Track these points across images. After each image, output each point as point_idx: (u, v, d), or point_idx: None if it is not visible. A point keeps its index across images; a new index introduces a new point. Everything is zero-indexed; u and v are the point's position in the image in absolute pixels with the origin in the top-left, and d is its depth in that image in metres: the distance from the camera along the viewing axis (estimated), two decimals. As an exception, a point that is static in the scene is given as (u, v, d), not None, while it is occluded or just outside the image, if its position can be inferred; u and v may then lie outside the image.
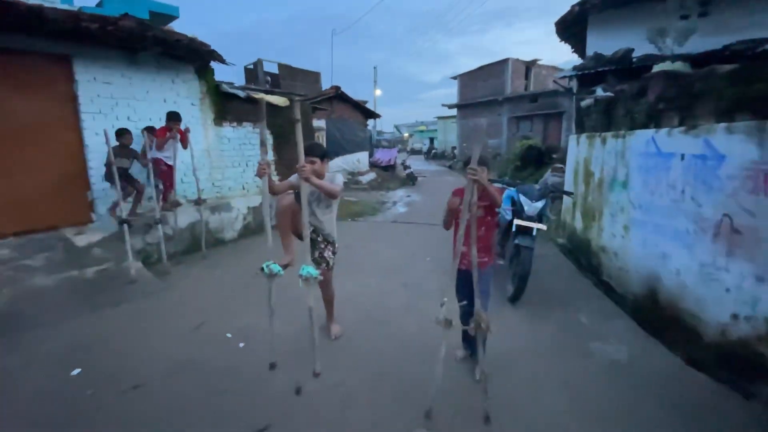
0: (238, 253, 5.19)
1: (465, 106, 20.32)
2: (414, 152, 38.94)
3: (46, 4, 3.82)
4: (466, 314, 2.33)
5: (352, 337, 2.95)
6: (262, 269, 2.40)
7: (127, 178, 4.50)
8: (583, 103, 4.99)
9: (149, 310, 3.40)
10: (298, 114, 2.23)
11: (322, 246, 2.73)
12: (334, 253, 2.79)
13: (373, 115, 16.41)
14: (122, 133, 4.42)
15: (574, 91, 6.81)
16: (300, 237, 2.75)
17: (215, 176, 5.81)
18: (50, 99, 4.17)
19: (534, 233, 3.37)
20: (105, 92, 4.49)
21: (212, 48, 5.17)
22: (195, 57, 5.11)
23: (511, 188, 3.89)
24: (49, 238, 4.11)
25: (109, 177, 4.30)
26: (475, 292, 2.15)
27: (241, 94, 5.93)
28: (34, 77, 4.04)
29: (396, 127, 53.28)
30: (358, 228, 6.89)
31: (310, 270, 2.29)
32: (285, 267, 2.46)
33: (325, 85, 16.64)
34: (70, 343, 2.82)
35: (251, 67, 19.15)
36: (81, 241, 4.24)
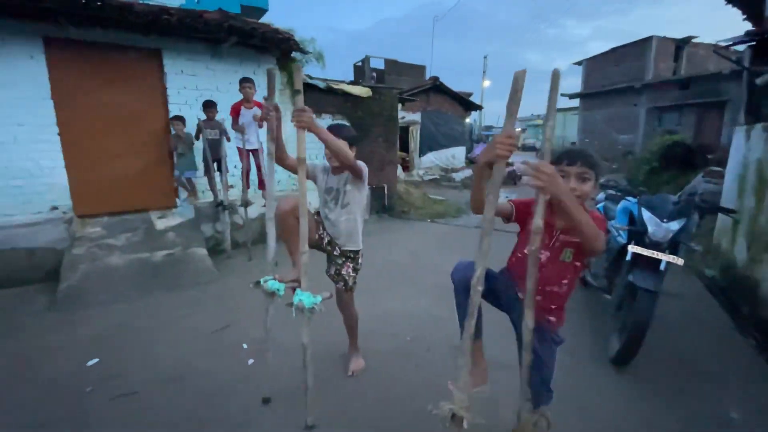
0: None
1: (590, 96, 17.37)
2: (526, 149, 35.71)
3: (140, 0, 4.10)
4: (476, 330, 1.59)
5: (376, 376, 2.33)
6: (258, 283, 1.98)
7: (218, 163, 4.63)
8: (759, 81, 3.43)
9: (189, 303, 3.34)
10: (299, 83, 1.68)
11: (339, 261, 2.18)
12: (355, 270, 2.22)
13: (474, 107, 15.18)
14: (209, 106, 4.58)
15: (746, 65, 4.85)
16: (316, 248, 2.24)
17: (291, 168, 5.77)
18: (143, 90, 4.51)
19: (662, 267, 2.24)
20: (191, 84, 4.71)
21: (293, 37, 5.05)
22: (274, 47, 5.05)
23: (630, 198, 2.73)
24: (135, 220, 4.47)
25: (204, 160, 4.57)
26: (524, 359, 1.35)
27: (321, 84, 5.74)
28: (130, 70, 4.40)
29: (508, 121, 49.81)
30: (434, 231, 6.17)
31: (305, 297, 1.75)
32: (292, 283, 1.94)
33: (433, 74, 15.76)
34: (107, 328, 2.87)
35: (359, 64, 19.75)
36: (160, 224, 4.52)
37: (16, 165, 3.82)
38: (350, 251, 2.18)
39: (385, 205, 7.05)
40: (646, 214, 2.34)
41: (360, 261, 2.24)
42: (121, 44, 4.22)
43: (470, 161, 14.32)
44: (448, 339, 2.70)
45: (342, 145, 1.94)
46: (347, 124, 2.41)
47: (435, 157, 12.87)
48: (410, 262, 4.50)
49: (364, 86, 6.58)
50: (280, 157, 1.94)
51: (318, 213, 2.23)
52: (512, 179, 12.51)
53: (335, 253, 2.18)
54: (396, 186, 7.61)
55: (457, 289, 1.58)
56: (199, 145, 4.67)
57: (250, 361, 2.47)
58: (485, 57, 23.57)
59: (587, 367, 2.41)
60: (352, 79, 18.81)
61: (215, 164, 4.63)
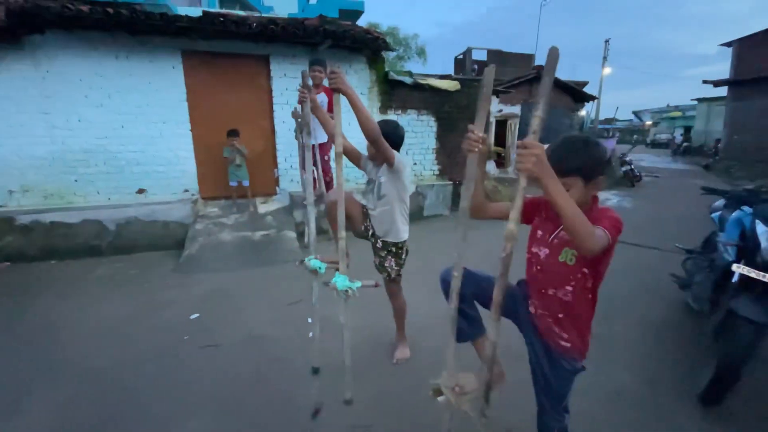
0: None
1: (741, 84, 13.92)
2: (656, 145, 30.45)
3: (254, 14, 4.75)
4: (471, 327, 1.52)
5: (417, 368, 2.37)
6: (302, 262, 2.12)
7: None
8: None
9: (275, 277, 3.81)
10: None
11: (382, 254, 2.26)
12: (398, 264, 2.28)
13: (586, 97, 13.56)
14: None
15: None
16: (364, 238, 2.37)
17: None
18: (253, 92, 5.22)
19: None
20: (292, 86, 5.28)
21: (381, 36, 5.27)
22: (365, 47, 5.32)
23: (746, 208, 2.20)
24: (244, 204, 5.23)
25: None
26: (537, 388, 1.27)
27: (408, 80, 5.85)
28: (244, 75, 5.13)
29: (635, 113, 43.10)
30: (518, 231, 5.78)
31: (339, 280, 1.89)
32: (332, 264, 2.11)
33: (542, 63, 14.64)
34: (210, 290, 3.47)
35: (461, 57, 19.29)
36: (262, 209, 5.22)
37: (160, 155, 4.84)
38: (391, 244, 2.22)
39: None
40: (761, 228, 1.87)
41: (404, 254, 2.28)
42: (237, 53, 4.96)
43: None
44: (507, 348, 2.58)
45: (371, 121, 1.97)
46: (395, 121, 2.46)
47: (535, 153, 11.93)
48: (480, 262, 4.34)
49: (453, 79, 6.46)
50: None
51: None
52: (629, 180, 10.91)
53: (378, 245, 2.27)
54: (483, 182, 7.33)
55: (446, 294, 1.49)
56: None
57: (311, 334, 2.74)
58: (607, 41, 20.72)
59: (667, 403, 2.06)
60: (452, 72, 18.56)
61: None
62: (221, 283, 3.64)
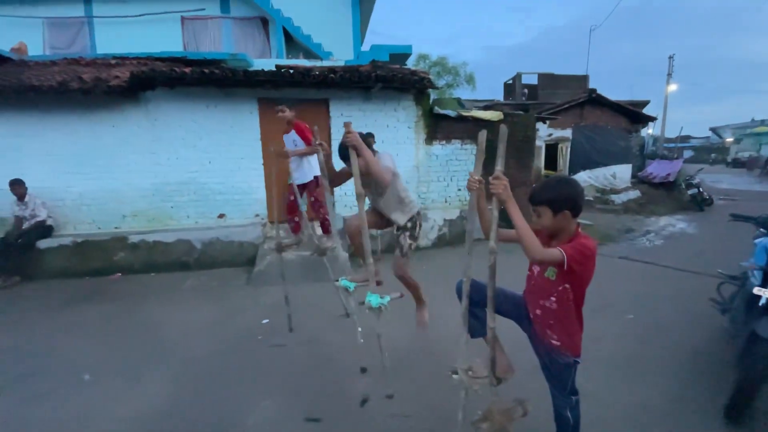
0: (425, 259, 5.59)
1: None
2: (738, 164, 27.55)
3: (318, 64, 5.55)
4: (482, 326, 1.70)
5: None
6: (337, 281, 2.63)
7: None
8: None
9: (329, 292, 4.29)
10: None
11: (397, 233, 2.66)
12: (413, 237, 2.64)
13: (644, 118, 13.00)
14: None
15: None
16: (386, 227, 2.80)
17: (421, 189, 6.47)
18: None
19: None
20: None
21: (427, 76, 5.82)
22: (411, 86, 5.89)
23: (773, 233, 2.28)
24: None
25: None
26: (547, 379, 1.60)
27: (452, 113, 6.29)
28: (307, 116, 5.90)
29: (713, 130, 39.45)
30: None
31: (372, 298, 2.23)
32: (363, 283, 2.49)
33: (599, 85, 14.25)
34: (277, 301, 4.04)
35: (510, 82, 19.47)
36: (319, 231, 5.85)
37: (238, 185, 5.71)
38: (406, 223, 2.60)
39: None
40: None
41: (418, 228, 2.66)
42: (302, 98, 5.78)
43: (641, 181, 12.29)
44: (532, 360, 2.81)
45: (376, 161, 2.39)
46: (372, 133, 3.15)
47: (589, 176, 11.61)
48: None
49: (498, 109, 6.79)
50: (335, 183, 2.74)
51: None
52: (698, 204, 10.19)
53: (395, 231, 2.67)
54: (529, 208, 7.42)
55: (459, 299, 1.77)
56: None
57: (360, 341, 3.17)
58: (671, 57, 19.69)
59: (692, 417, 2.16)
60: (501, 97, 18.74)
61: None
62: (289, 294, 4.22)
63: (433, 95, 7.07)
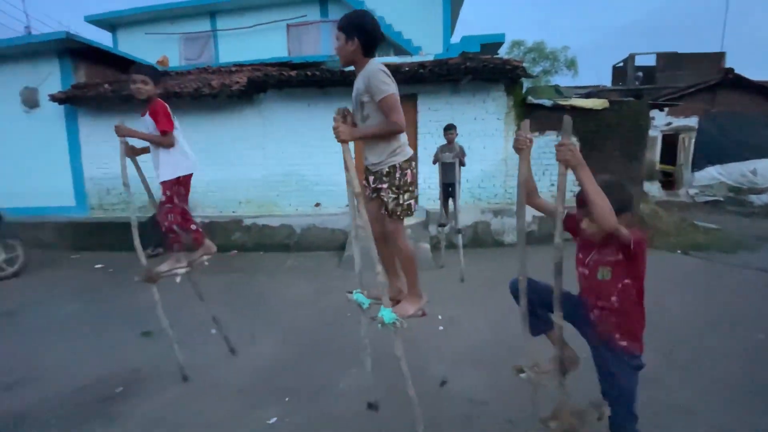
0: (509, 257, 5.43)
1: None
2: None
3: (407, 60, 5.71)
4: (542, 323, 1.66)
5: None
6: (350, 293, 2.10)
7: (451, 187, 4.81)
8: None
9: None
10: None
11: (375, 185, 1.91)
12: (400, 189, 1.84)
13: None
14: (449, 128, 4.80)
15: None
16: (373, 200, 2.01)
17: (509, 184, 6.25)
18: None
19: None
20: (434, 118, 6.05)
21: (520, 65, 5.58)
22: (502, 76, 5.71)
23: None
24: (388, 218, 6.20)
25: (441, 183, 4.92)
26: (606, 390, 1.53)
27: (547, 103, 5.93)
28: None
29: None
30: (681, 266, 5.09)
31: (385, 314, 1.89)
32: (376, 300, 2.07)
33: (737, 64, 11.57)
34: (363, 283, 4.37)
35: (620, 65, 17.24)
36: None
37: (332, 177, 6.21)
38: (383, 167, 1.88)
39: (615, 227, 6.32)
40: None
41: (406, 180, 1.87)
42: (392, 94, 6.01)
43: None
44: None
45: (380, 130, 1.83)
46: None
47: (720, 173, 9.84)
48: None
49: (602, 96, 6.19)
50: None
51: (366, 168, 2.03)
52: None
53: (374, 184, 1.94)
54: (638, 207, 6.63)
55: (515, 298, 1.70)
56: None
57: (440, 327, 3.29)
58: None
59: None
60: (609, 83, 16.75)
61: (449, 188, 4.86)
62: (371, 279, 4.52)
63: (527, 84, 6.73)
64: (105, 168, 6.79)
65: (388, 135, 1.82)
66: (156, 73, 2.57)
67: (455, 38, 8.91)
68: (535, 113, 6.07)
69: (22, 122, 6.78)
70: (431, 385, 2.50)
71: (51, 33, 6.57)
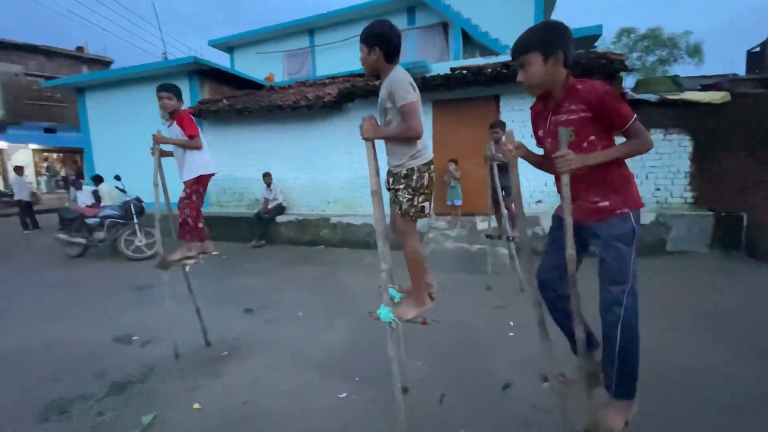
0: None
1: None
2: None
3: (488, 62, 5.65)
4: (561, 314, 1.63)
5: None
6: (380, 287, 2.05)
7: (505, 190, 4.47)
8: None
9: (484, 283, 4.44)
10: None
11: (395, 187, 2.00)
12: (416, 191, 1.92)
13: None
14: (495, 126, 4.58)
15: None
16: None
17: (603, 187, 5.72)
18: (482, 127, 6.10)
19: None
20: (517, 117, 5.86)
21: (619, 58, 5.11)
22: (596, 71, 5.27)
23: None
24: (466, 221, 6.18)
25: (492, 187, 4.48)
26: (604, 274, 1.49)
27: (652, 98, 5.29)
28: (477, 113, 6.10)
29: None
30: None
31: (382, 312, 1.91)
32: (407, 294, 2.20)
33: None
34: (438, 285, 4.48)
35: (756, 50, 14.14)
36: (480, 226, 6.00)
37: (411, 179, 6.42)
38: (401, 168, 1.96)
39: (741, 241, 5.33)
40: None
41: (423, 179, 1.94)
42: (473, 96, 5.99)
43: None
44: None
45: (399, 132, 1.91)
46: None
47: None
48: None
49: (724, 88, 5.29)
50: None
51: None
52: None
53: (393, 185, 2.04)
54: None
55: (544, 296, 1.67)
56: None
57: (511, 334, 3.24)
58: None
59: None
60: (741, 71, 13.92)
61: (502, 191, 4.46)
62: (444, 281, 4.60)
63: (637, 76, 6.06)
64: (221, 170, 8.03)
65: (405, 139, 1.91)
66: (177, 90, 2.96)
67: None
68: (638, 109, 5.45)
69: (163, 133, 8.40)
70: (495, 387, 2.52)
71: (182, 58, 8.02)
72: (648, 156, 5.53)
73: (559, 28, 1.42)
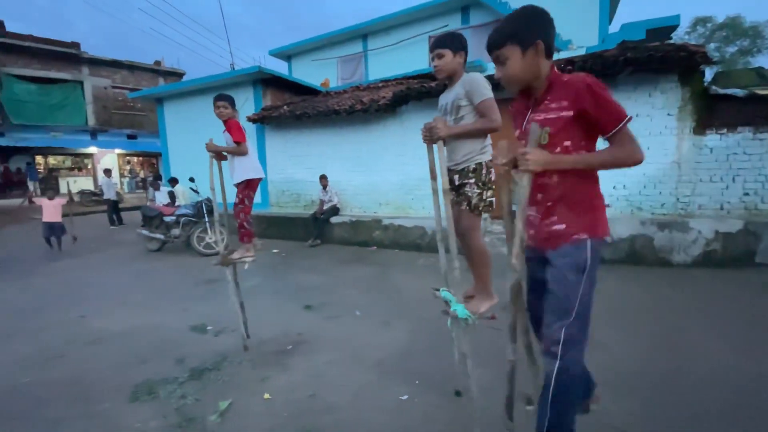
0: (679, 280, 4.56)
1: None
2: None
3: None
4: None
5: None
6: (437, 290, 2.12)
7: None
8: None
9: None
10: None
11: (462, 182, 2.08)
12: (485, 185, 2.01)
13: None
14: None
15: None
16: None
17: (682, 191, 5.23)
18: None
19: None
20: (581, 117, 5.53)
21: (701, 51, 4.66)
22: (675, 65, 4.84)
23: None
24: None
25: None
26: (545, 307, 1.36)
27: (739, 93, 4.74)
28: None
29: None
30: None
31: (459, 309, 1.82)
32: (468, 300, 2.12)
33: None
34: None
35: None
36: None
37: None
38: (469, 165, 2.05)
39: None
40: None
41: (490, 174, 2.05)
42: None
43: None
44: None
45: (478, 128, 1.99)
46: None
47: None
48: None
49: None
50: None
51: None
52: None
53: (459, 181, 2.10)
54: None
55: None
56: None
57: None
58: None
59: None
60: None
61: None
62: (496, 284, 4.47)
63: (716, 69, 5.50)
64: (281, 173, 8.47)
65: (483, 133, 2.00)
66: (232, 100, 3.19)
67: (616, 27, 7.89)
68: (719, 106, 4.94)
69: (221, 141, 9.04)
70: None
71: (247, 68, 8.54)
72: (735, 157, 4.98)
73: (537, 15, 1.30)
